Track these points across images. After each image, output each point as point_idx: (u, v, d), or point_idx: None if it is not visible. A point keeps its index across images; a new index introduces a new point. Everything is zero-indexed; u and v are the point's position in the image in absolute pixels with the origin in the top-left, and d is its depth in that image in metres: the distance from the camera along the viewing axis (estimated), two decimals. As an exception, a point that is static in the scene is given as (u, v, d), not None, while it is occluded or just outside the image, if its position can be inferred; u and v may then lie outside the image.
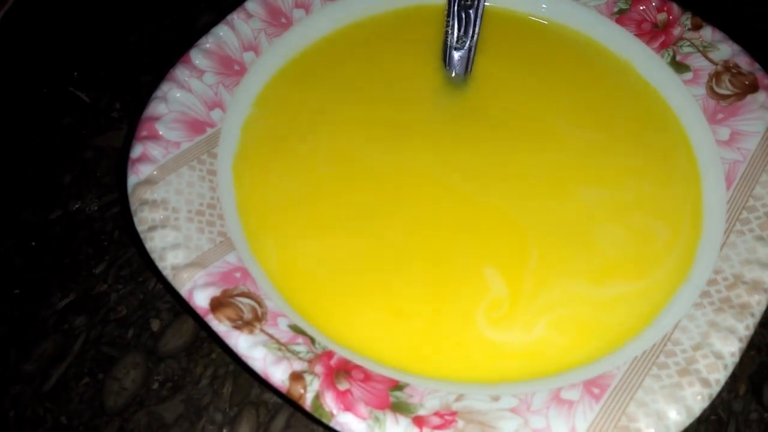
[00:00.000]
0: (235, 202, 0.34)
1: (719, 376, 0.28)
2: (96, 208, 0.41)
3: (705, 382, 0.28)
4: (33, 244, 0.39)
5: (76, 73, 0.46)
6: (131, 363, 0.35)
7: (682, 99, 0.37)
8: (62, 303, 0.37)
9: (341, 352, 0.30)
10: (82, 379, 0.35)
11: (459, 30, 0.40)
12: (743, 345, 0.29)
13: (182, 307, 0.36)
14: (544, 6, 0.42)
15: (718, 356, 0.28)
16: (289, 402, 0.32)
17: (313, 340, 0.29)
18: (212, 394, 0.35)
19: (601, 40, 0.40)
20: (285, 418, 0.34)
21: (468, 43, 0.40)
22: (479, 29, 0.40)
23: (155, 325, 0.37)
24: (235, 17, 0.38)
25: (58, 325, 0.37)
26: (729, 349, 0.28)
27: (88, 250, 0.39)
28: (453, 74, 0.40)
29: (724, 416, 0.34)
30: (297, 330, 0.30)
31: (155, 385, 0.35)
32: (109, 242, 0.39)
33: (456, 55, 0.40)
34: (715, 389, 0.28)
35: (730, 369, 0.28)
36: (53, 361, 0.36)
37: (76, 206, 0.41)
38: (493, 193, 0.35)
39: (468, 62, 0.40)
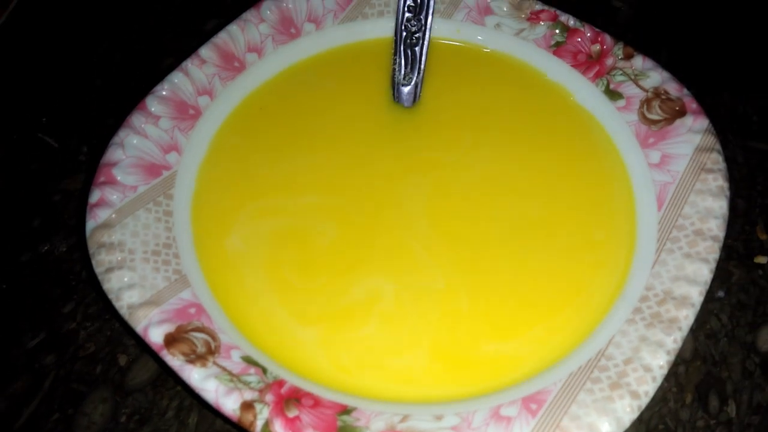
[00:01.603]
0: (192, 240, 0.36)
1: (648, 388, 0.29)
2: (64, 249, 0.42)
3: (634, 394, 0.29)
4: (3, 286, 0.41)
5: (44, 119, 0.48)
6: (99, 398, 0.37)
7: (616, 125, 0.39)
8: (33, 342, 0.39)
9: (293, 381, 0.31)
10: (53, 415, 0.36)
11: (406, 67, 0.42)
12: (671, 357, 0.30)
13: (139, 345, 0.38)
14: (480, 38, 0.44)
15: (647, 369, 0.30)
16: None
17: (265, 370, 0.31)
18: (178, 424, 0.36)
19: (540, 69, 0.42)
20: (248, 446, 0.35)
21: (414, 79, 0.42)
22: (425, 66, 0.42)
23: (122, 360, 0.38)
24: (190, 64, 0.40)
25: (29, 364, 0.38)
26: (657, 362, 0.30)
27: (56, 291, 0.40)
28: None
29: (671, 425, 0.36)
30: (249, 361, 0.31)
31: (123, 418, 0.36)
32: (77, 282, 0.41)
33: (404, 90, 0.42)
34: (644, 400, 0.29)
35: (659, 381, 0.30)
36: (24, 398, 0.37)
37: (45, 248, 0.42)
38: (435, 212, 0.38)
39: (415, 95, 0.42)
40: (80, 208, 0.43)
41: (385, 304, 0.34)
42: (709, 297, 0.40)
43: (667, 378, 0.37)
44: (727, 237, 0.41)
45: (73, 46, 0.53)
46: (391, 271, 0.36)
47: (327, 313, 0.34)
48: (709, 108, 0.46)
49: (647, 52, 0.41)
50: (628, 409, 0.29)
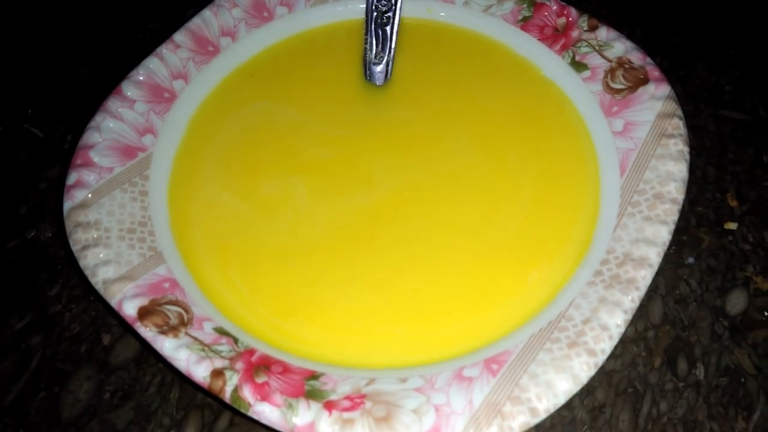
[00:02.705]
0: (168, 219, 0.37)
1: (605, 346, 0.30)
2: (50, 235, 0.43)
3: (591, 352, 0.30)
4: (-9, 271, 0.42)
5: (30, 111, 0.49)
6: (84, 376, 0.38)
7: (581, 96, 0.40)
8: (20, 324, 0.40)
9: (265, 350, 0.32)
10: (39, 394, 0.37)
11: (377, 46, 0.43)
12: (628, 317, 0.31)
13: (122, 325, 0.39)
14: (450, 15, 0.45)
15: (604, 328, 0.31)
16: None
17: (236, 340, 0.32)
18: (160, 399, 0.37)
19: (508, 44, 0.43)
20: (228, 418, 0.36)
21: (386, 57, 0.43)
22: (395, 45, 0.43)
23: (106, 339, 0.39)
24: (164, 49, 0.41)
25: (17, 345, 0.39)
26: (614, 321, 0.31)
27: (42, 275, 0.42)
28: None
29: (640, 388, 0.37)
30: (221, 332, 0.32)
31: (107, 395, 0.37)
32: (62, 266, 0.42)
33: (375, 69, 0.43)
34: (601, 358, 0.30)
35: (616, 339, 0.31)
36: (12, 378, 0.38)
37: (32, 234, 0.43)
38: (408, 185, 0.38)
39: (386, 74, 0.43)
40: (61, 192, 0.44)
41: (357, 277, 0.35)
42: (679, 263, 0.41)
43: (636, 342, 0.38)
44: (697, 204, 0.42)
45: (56, 39, 0.54)
46: (364, 244, 0.37)
47: (300, 291, 0.35)
48: (682, 79, 0.47)
49: (621, 27, 0.42)
50: (585, 367, 0.29)
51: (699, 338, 0.38)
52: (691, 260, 0.41)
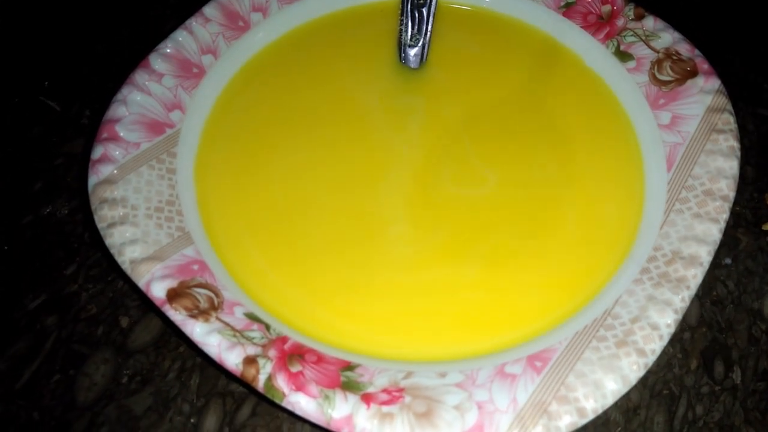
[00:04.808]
0: (195, 198, 0.35)
1: (655, 347, 0.29)
2: (66, 212, 0.42)
3: (641, 352, 0.29)
4: (5, 248, 0.40)
5: (46, 83, 0.48)
6: (101, 359, 0.36)
7: (626, 86, 0.39)
8: (34, 304, 0.38)
9: (297, 338, 0.31)
10: (54, 376, 0.36)
11: (413, 28, 0.41)
12: (679, 316, 0.30)
13: (145, 304, 0.37)
14: (488, 0, 0.43)
15: (654, 327, 0.29)
16: (255, 392, 0.34)
17: (268, 327, 0.30)
18: (180, 386, 0.36)
19: (549, 31, 0.42)
20: (251, 407, 0.35)
21: (422, 40, 0.41)
22: (432, 27, 0.41)
23: (124, 322, 0.38)
24: (194, 22, 0.39)
25: (31, 326, 0.38)
26: (665, 320, 0.30)
27: (58, 253, 0.40)
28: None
29: (676, 391, 0.36)
30: (253, 318, 0.31)
31: (125, 379, 0.36)
32: (79, 244, 0.40)
33: (411, 51, 0.41)
34: (651, 359, 0.29)
35: (666, 339, 0.29)
36: (25, 359, 0.37)
37: (47, 211, 0.42)
38: (442, 175, 0.37)
39: (422, 57, 0.41)
40: (82, 171, 0.43)
41: (394, 264, 0.34)
42: (716, 264, 0.39)
43: (672, 344, 0.37)
44: (735, 204, 0.40)
45: (75, 9, 0.52)
46: (390, 231, 0.35)
47: (332, 278, 0.34)
48: (719, 76, 0.46)
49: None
50: (635, 367, 0.28)
51: (736, 341, 0.37)
52: (728, 261, 0.39)
